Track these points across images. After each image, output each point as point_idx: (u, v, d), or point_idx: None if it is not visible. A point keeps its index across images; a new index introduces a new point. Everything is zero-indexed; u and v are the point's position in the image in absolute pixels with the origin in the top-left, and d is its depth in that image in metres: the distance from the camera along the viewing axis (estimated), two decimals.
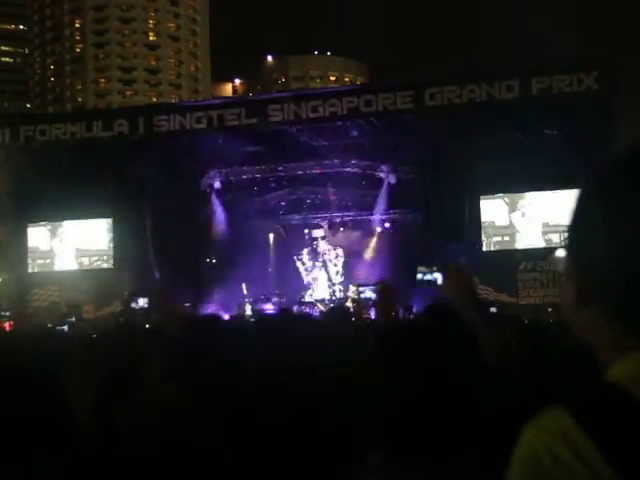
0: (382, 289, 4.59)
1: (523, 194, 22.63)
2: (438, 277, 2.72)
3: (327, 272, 25.75)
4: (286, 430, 1.70)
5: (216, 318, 3.55)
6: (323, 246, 26.11)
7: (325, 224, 26.18)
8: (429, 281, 2.83)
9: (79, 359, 3.47)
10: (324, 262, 25.91)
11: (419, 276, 2.92)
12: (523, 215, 22.68)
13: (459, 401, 1.61)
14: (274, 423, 1.57)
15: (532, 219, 22.63)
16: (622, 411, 1.00)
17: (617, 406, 1.01)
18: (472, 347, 1.78)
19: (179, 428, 1.12)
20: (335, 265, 25.92)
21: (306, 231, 26.39)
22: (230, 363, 2.67)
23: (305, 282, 26.10)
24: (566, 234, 1.14)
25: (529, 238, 22.47)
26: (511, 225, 22.69)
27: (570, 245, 1.13)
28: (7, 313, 19.43)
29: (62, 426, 1.77)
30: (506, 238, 22.63)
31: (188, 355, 3.03)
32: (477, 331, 2.39)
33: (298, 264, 26.26)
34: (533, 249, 22.13)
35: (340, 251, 25.95)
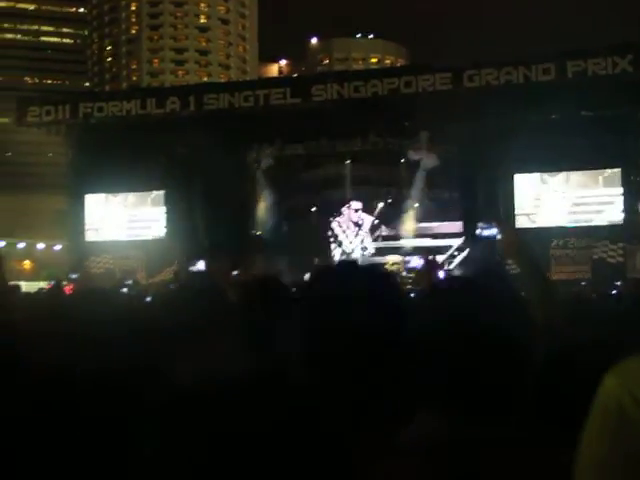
0: (430, 262, 4.63)
1: (557, 173, 22.32)
2: (496, 232, 2.67)
3: (362, 239, 25.63)
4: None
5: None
6: (358, 215, 25.96)
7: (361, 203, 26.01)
8: (487, 236, 2.78)
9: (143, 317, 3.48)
10: (358, 227, 25.80)
11: (478, 231, 2.88)
12: (556, 193, 22.39)
13: (510, 356, 1.55)
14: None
15: (565, 198, 22.35)
16: None
17: None
18: (522, 304, 1.73)
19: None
20: (372, 234, 25.81)
21: (347, 206, 26.25)
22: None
23: (341, 249, 25.95)
24: None
25: (561, 216, 22.20)
26: (544, 203, 22.39)
27: None
28: (74, 276, 19.73)
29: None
30: (539, 216, 22.34)
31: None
32: (526, 286, 2.37)
33: (335, 228, 26.09)
34: (565, 227, 21.86)
35: (371, 219, 25.83)
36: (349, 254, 25.13)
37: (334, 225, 26.16)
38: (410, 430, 1.46)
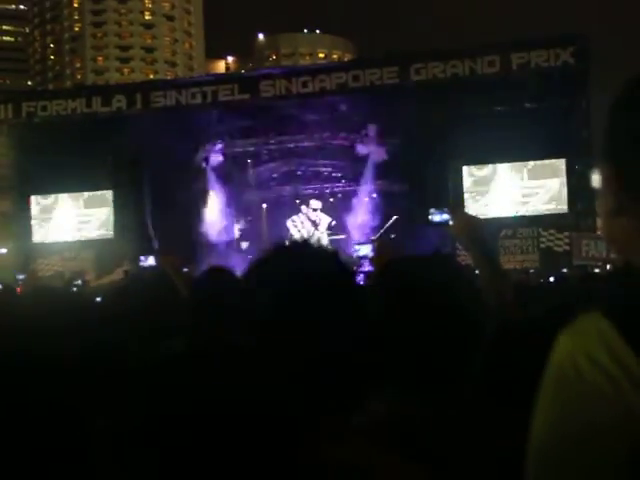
0: (380, 245, 4.63)
1: (504, 164, 22.60)
2: (448, 218, 2.68)
3: (317, 238, 25.58)
4: None
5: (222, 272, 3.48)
6: (316, 214, 25.96)
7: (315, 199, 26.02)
8: (440, 222, 2.80)
9: (96, 312, 3.47)
10: (315, 226, 25.78)
11: (430, 217, 2.90)
12: (503, 184, 22.67)
13: (460, 332, 1.60)
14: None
15: (512, 188, 22.64)
16: None
17: None
18: (472, 282, 1.78)
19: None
20: (327, 230, 25.79)
21: (297, 201, 26.22)
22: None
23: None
24: (603, 144, 1.09)
25: (509, 206, 22.48)
26: (492, 194, 22.65)
27: (607, 153, 1.08)
28: (21, 277, 19.42)
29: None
30: (487, 206, 22.58)
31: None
32: (478, 266, 2.44)
33: (291, 228, 26.07)
34: (512, 217, 22.15)
35: (329, 219, 25.83)
36: None
37: (289, 224, 26.13)
38: (366, 410, 1.47)
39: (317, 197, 25.96)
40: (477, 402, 1.60)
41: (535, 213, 22.33)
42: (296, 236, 25.56)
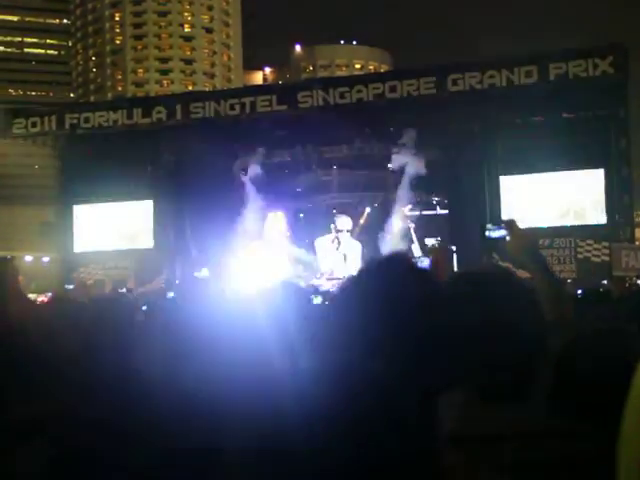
0: (435, 252, 4.61)
1: (541, 174, 22.37)
2: (505, 233, 2.64)
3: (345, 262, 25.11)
4: None
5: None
6: (345, 239, 25.54)
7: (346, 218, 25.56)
8: (497, 238, 2.75)
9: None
10: (344, 254, 25.33)
11: (487, 233, 2.86)
12: (541, 194, 22.45)
13: (527, 353, 1.61)
14: None
15: (550, 198, 22.41)
16: None
17: None
18: (533, 301, 1.78)
19: None
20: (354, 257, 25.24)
21: (334, 211, 26.02)
22: None
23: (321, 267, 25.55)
24: None
25: (546, 217, 22.24)
26: (530, 204, 22.43)
27: None
28: (70, 287, 19.66)
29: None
30: (525, 216, 22.36)
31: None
32: (537, 284, 2.39)
33: (318, 250, 25.79)
34: (550, 227, 21.91)
35: (359, 246, 25.33)
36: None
37: (316, 244, 25.95)
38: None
39: (353, 207, 25.83)
40: (547, 418, 1.61)
41: (573, 223, 22.08)
42: (319, 255, 25.33)
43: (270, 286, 3.42)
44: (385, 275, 1.43)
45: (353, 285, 1.45)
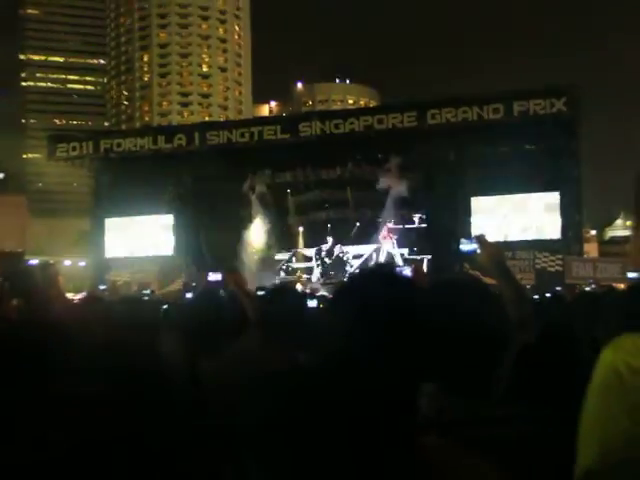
0: (418, 268, 4.57)
1: (506, 196, 22.44)
2: (476, 247, 2.63)
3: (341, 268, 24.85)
4: None
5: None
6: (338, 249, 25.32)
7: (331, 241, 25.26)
8: (468, 251, 2.74)
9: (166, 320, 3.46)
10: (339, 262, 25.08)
11: (461, 246, 2.85)
12: (506, 213, 22.51)
13: (497, 343, 1.62)
14: None
15: (513, 216, 22.48)
16: None
17: None
18: (499, 304, 1.78)
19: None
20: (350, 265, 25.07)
21: (329, 226, 25.76)
22: None
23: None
24: (634, 205, 1.17)
25: (510, 232, 22.27)
26: (496, 221, 22.47)
27: (635, 210, 1.16)
28: (103, 287, 19.61)
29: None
30: (491, 232, 22.38)
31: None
32: (503, 289, 2.38)
33: (315, 257, 25.60)
34: (514, 241, 21.92)
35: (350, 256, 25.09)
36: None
37: (314, 253, 25.81)
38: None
39: (345, 221, 25.72)
40: (506, 401, 1.61)
41: (532, 238, 22.13)
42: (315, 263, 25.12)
43: (269, 288, 3.43)
44: (373, 281, 1.42)
45: (346, 289, 1.45)
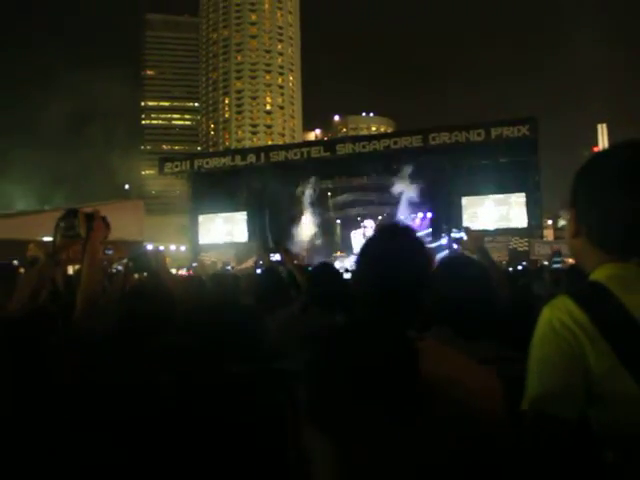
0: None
1: (486, 196, 22.14)
2: (463, 235, 2.60)
3: None
4: None
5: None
6: (369, 230, 25.19)
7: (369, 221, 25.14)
8: (457, 237, 2.69)
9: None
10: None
11: (452, 234, 2.81)
12: (487, 208, 22.26)
13: (490, 307, 1.57)
14: None
15: (492, 210, 22.25)
16: (601, 296, 1.01)
17: (598, 293, 1.02)
18: (486, 273, 1.73)
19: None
20: None
21: (359, 219, 25.68)
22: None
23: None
24: (569, 196, 1.12)
25: (490, 223, 21.94)
26: (480, 214, 22.20)
27: (572, 202, 1.12)
28: (195, 265, 19.74)
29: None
30: (477, 223, 22.02)
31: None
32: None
33: (352, 238, 25.58)
34: (492, 229, 21.55)
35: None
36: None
37: (352, 235, 25.78)
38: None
39: (370, 217, 25.61)
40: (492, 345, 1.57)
41: (505, 226, 21.83)
42: (353, 244, 24.99)
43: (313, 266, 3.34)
44: (396, 238, 1.22)
45: (368, 247, 1.24)
